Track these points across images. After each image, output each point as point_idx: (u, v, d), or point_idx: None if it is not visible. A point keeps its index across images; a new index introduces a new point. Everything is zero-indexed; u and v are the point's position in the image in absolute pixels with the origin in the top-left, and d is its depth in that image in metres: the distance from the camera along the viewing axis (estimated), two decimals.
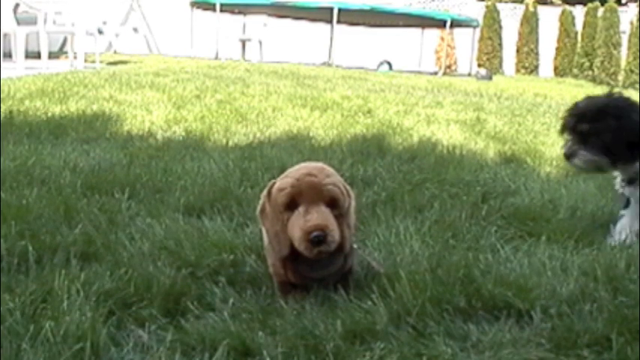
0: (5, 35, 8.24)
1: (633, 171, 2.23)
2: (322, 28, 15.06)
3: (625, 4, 19.27)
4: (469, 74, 15.25)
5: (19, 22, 8.32)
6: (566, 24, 18.04)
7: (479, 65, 17.05)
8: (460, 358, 1.44)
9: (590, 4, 17.65)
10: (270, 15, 14.45)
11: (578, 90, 11.06)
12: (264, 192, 1.71)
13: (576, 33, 17.89)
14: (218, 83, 6.94)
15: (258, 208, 1.72)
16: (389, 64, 16.18)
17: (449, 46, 16.74)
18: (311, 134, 4.11)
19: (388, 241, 2.10)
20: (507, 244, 2.13)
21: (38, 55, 8.58)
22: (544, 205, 2.62)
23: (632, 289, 1.74)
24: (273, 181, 1.70)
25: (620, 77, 16.65)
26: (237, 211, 2.38)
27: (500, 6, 18.22)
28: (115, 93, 5.58)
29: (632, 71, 16.14)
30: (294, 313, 1.59)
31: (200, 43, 14.02)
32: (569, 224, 2.37)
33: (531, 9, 18.28)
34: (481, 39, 17.76)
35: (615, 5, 17.17)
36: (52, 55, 9.47)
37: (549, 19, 18.19)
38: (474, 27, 16.23)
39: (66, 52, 10.45)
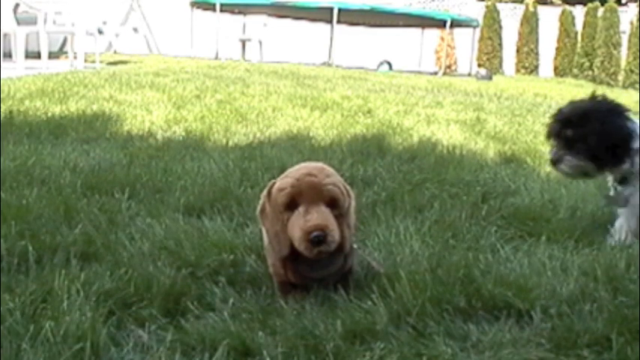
0: (5, 35, 8.24)
1: (623, 171, 2.23)
2: (322, 28, 15.06)
3: (625, 4, 19.28)
4: (469, 74, 15.25)
5: (19, 22, 8.32)
6: (566, 24, 18.04)
7: (479, 65, 17.05)
8: (460, 358, 1.44)
9: (590, 4, 17.65)
10: (270, 15, 14.44)
11: (578, 90, 11.04)
12: (264, 192, 1.71)
13: (576, 33, 17.89)
14: (218, 83, 6.94)
15: (258, 208, 1.72)
16: (389, 64, 16.18)
17: (449, 46, 16.74)
18: (311, 134, 4.11)
19: (388, 241, 2.10)
20: (507, 244, 2.13)
21: (38, 55, 8.58)
22: (544, 205, 2.62)
23: (632, 289, 1.74)
24: (273, 181, 1.70)
25: (620, 77, 16.65)
26: (237, 211, 2.38)
27: (500, 6, 18.22)
28: (115, 93, 5.58)
29: (632, 71, 16.14)
30: (294, 313, 1.59)
31: (200, 43, 14.02)
32: (569, 224, 2.37)
33: (531, 9, 18.28)
34: (481, 39, 17.76)
35: (615, 5, 17.17)
36: (52, 55, 9.47)
37: (549, 19, 18.18)
38: (474, 27, 16.23)
39: (66, 52, 10.46)
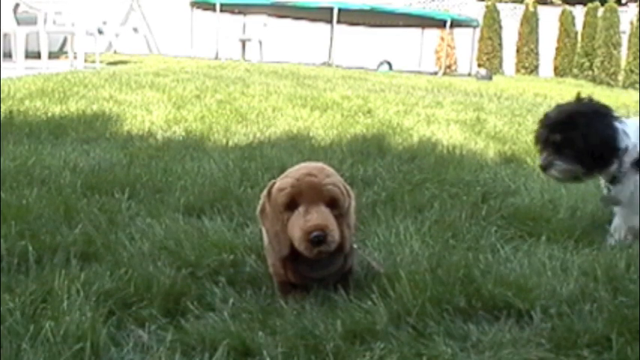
0: (5, 35, 8.24)
1: (612, 172, 2.24)
2: (322, 28, 15.06)
3: (625, 4, 19.27)
4: (469, 74, 15.25)
5: (19, 22, 8.32)
6: (566, 24, 18.04)
7: (479, 65, 17.04)
8: (460, 358, 1.44)
9: (590, 4, 17.64)
10: (270, 15, 14.45)
11: (578, 90, 11.04)
12: (264, 192, 1.71)
13: (576, 33, 17.88)
14: (218, 83, 6.94)
15: (258, 208, 1.72)
16: (389, 64, 16.18)
17: (449, 46, 16.74)
18: (311, 134, 4.11)
19: (388, 241, 2.10)
20: (507, 244, 2.13)
21: (38, 55, 8.58)
22: (544, 205, 2.62)
23: (632, 289, 1.74)
24: (273, 181, 1.70)
25: (620, 77, 16.64)
26: (237, 211, 2.38)
27: (500, 6, 18.21)
28: (115, 93, 5.58)
29: (632, 71, 16.13)
30: (294, 313, 1.59)
31: (200, 43, 14.02)
32: (569, 224, 2.37)
33: (531, 9, 18.28)
34: (481, 39, 17.76)
35: (615, 5, 17.16)
36: (52, 55, 9.47)
37: (549, 19, 18.18)
38: (474, 27, 16.23)
39: (66, 52, 10.46)
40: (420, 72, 15.05)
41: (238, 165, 3.05)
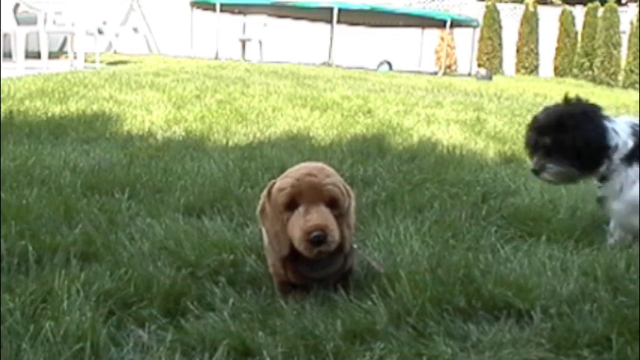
0: (5, 35, 8.25)
1: (602, 171, 2.24)
2: (322, 28, 15.06)
3: (625, 4, 19.27)
4: (469, 74, 15.25)
5: (19, 22, 8.32)
6: (566, 24, 18.03)
7: (479, 65, 17.04)
8: (460, 358, 1.44)
9: (590, 4, 17.64)
10: (270, 15, 14.44)
11: (578, 90, 11.00)
12: (264, 192, 1.71)
13: (576, 33, 17.88)
14: (218, 83, 6.94)
15: (258, 208, 1.72)
16: (389, 64, 16.17)
17: (449, 46, 16.74)
18: (311, 134, 4.11)
19: (388, 241, 2.10)
20: (507, 244, 2.13)
21: (38, 55, 8.58)
22: (544, 205, 2.62)
23: (632, 289, 1.74)
24: (273, 181, 1.70)
25: (620, 77, 16.64)
26: (237, 211, 2.38)
27: (500, 6, 18.21)
28: (115, 93, 5.58)
29: (632, 71, 16.12)
30: (294, 313, 1.59)
31: (200, 43, 14.02)
32: (569, 224, 2.37)
33: (531, 9, 18.28)
34: (481, 39, 17.75)
35: (615, 5, 17.16)
36: (52, 55, 9.47)
37: (549, 19, 18.18)
38: (474, 27, 16.23)
39: (66, 52, 10.45)
40: (420, 72, 15.04)
41: (238, 165, 3.06)
